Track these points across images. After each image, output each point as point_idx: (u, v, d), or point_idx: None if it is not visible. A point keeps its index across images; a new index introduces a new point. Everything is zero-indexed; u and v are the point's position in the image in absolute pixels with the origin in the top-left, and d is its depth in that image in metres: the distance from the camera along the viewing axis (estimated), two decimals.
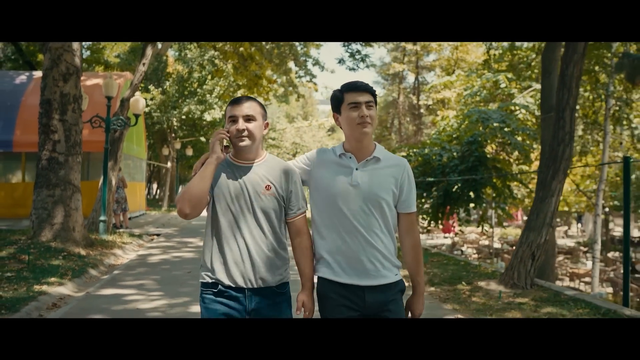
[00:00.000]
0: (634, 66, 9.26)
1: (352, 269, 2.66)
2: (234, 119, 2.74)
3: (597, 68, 12.49)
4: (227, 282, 2.72)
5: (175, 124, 27.37)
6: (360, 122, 2.65)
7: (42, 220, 10.51)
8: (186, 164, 35.28)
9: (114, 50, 24.51)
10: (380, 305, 2.66)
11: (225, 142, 2.77)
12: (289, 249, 2.88)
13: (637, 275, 16.35)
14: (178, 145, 29.39)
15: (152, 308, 6.48)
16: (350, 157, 2.71)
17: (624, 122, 15.26)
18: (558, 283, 15.88)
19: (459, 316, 6.25)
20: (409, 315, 2.83)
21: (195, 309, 6.42)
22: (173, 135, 29.22)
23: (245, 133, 2.72)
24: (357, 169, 2.69)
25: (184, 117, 27.12)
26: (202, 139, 29.98)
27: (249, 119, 2.74)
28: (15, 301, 6.43)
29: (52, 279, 7.77)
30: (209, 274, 2.77)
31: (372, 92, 2.74)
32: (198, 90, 27.26)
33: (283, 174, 2.80)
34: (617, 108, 14.64)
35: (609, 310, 6.24)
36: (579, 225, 38.51)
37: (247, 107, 2.75)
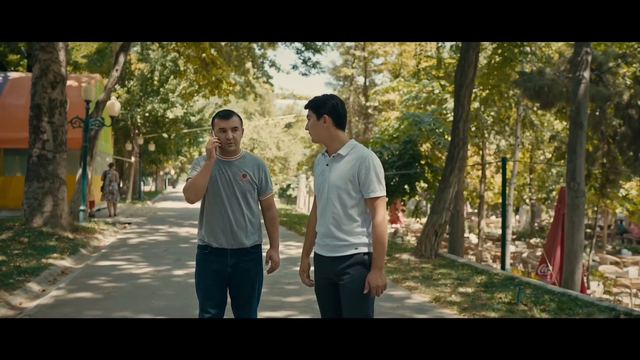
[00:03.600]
0: (526, 87, 11.54)
1: (323, 244, 3.22)
2: (223, 130, 3.50)
3: (503, 84, 14.86)
4: (215, 244, 3.56)
5: (138, 121, 28.85)
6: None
7: (34, 209, 12.14)
8: (148, 159, 36.62)
9: (81, 52, 25.89)
10: (337, 273, 3.15)
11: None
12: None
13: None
14: (141, 141, 30.77)
15: (143, 272, 8.41)
16: (326, 156, 3.28)
17: (529, 127, 17.82)
18: (483, 263, 18.28)
19: None
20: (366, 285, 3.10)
21: (177, 272, 8.40)
22: (136, 131, 30.66)
23: (233, 140, 3.52)
24: (327, 165, 3.24)
25: (147, 114, 28.66)
26: (165, 135, 31.53)
27: (234, 129, 3.53)
28: (33, 270, 8.18)
29: (54, 255, 9.46)
30: (203, 238, 3.62)
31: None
32: (161, 89, 28.79)
33: (255, 166, 3.63)
34: (525, 115, 17.15)
35: (484, 270, 8.53)
36: (517, 217, 41.48)
37: (233, 121, 3.54)
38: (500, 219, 36.35)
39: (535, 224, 27.56)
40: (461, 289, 7.15)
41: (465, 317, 5.82)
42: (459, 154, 9.62)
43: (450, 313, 6.04)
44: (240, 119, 3.65)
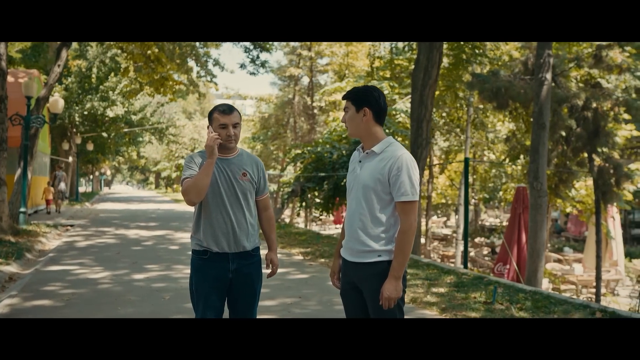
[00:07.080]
0: (483, 88, 11.70)
1: (347, 247, 3.03)
2: (224, 126, 3.27)
3: (457, 85, 15.11)
4: (215, 249, 3.31)
5: (77, 119, 27.74)
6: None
7: None
8: (85, 159, 35.32)
9: (15, 46, 24.59)
10: (359, 279, 2.97)
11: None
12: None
13: (495, 255, 19.43)
14: (79, 140, 29.63)
15: (100, 277, 7.97)
16: (360, 152, 3.07)
17: (479, 127, 18.24)
18: None
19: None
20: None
21: (137, 277, 8.00)
22: (74, 130, 29.46)
23: (234, 137, 3.30)
24: (360, 161, 3.03)
25: (86, 112, 27.56)
26: (104, 134, 30.43)
27: (235, 125, 3.31)
28: None
29: None
30: (200, 243, 3.36)
31: None
32: (100, 87, 27.76)
33: (254, 164, 3.44)
34: (475, 116, 17.53)
35: (451, 269, 8.56)
36: (457, 216, 42.39)
37: (235, 116, 3.30)
38: (441, 219, 37.12)
39: (478, 224, 28.21)
40: (434, 289, 7.12)
41: (448, 317, 5.77)
42: (422, 154, 9.64)
43: (431, 314, 5.98)
44: (240, 114, 3.42)
